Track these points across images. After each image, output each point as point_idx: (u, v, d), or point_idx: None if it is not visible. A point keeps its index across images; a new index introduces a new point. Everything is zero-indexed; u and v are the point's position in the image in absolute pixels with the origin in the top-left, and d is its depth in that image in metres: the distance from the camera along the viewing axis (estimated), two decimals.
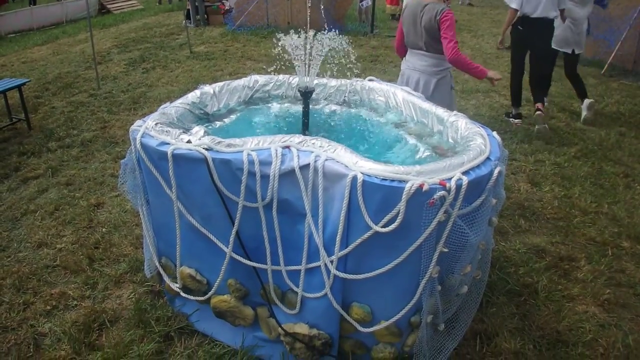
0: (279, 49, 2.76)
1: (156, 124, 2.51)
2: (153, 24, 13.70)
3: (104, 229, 4.05)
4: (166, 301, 3.10)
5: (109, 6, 17.61)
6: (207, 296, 2.69)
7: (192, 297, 2.77)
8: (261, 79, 3.31)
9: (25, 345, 2.94)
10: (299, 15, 10.64)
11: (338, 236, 2.12)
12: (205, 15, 12.62)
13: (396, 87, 3.14)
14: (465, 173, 2.06)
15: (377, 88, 3.18)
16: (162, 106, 2.87)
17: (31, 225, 4.18)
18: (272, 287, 2.48)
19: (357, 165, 2.06)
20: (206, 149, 2.28)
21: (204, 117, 2.99)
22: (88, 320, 3.06)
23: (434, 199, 1.92)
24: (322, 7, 10.27)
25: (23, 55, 10.58)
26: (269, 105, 3.21)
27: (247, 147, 2.27)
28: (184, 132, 2.44)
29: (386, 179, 1.97)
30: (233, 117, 3.05)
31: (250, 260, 2.44)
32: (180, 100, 2.92)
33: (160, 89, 7.63)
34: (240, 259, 2.45)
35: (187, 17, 12.36)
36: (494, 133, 2.52)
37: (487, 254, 2.62)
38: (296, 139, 2.29)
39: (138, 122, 2.61)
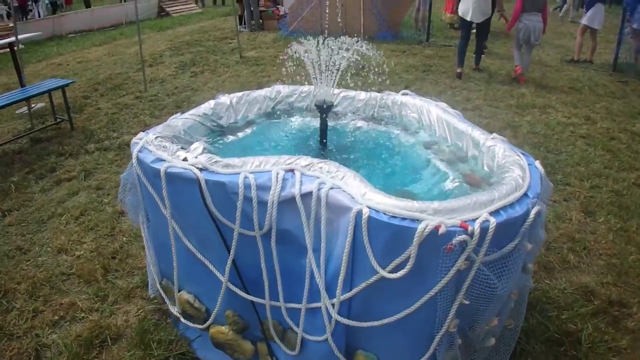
0: (295, 55, 2.50)
1: (156, 138, 2.33)
2: (209, 27, 13.85)
3: (124, 238, 3.94)
4: (171, 323, 2.93)
5: (168, 9, 18.06)
6: (205, 325, 2.47)
7: (190, 324, 2.56)
8: (284, 89, 3.08)
9: (26, 355, 2.86)
10: (353, 21, 10.37)
11: (340, 277, 1.84)
12: (260, 20, 12.61)
13: (431, 102, 2.80)
14: (494, 213, 1.72)
15: (411, 103, 2.86)
16: (172, 117, 2.70)
17: (55, 229, 4.14)
18: (271, 324, 2.22)
19: (364, 197, 1.76)
20: (200, 169, 2.06)
21: (218, 130, 2.79)
22: (91, 336, 2.96)
23: (452, 244, 1.59)
24: (377, 13, 9.96)
25: (80, 55, 10.92)
26: (291, 118, 2.97)
27: (246, 169, 2.02)
28: (182, 148, 2.23)
29: (396, 217, 1.67)
30: (249, 130, 2.83)
31: (248, 293, 2.20)
32: (192, 111, 2.73)
33: (205, 93, 7.58)
34: (237, 291, 2.21)
35: (240, 22, 12.41)
36: (537, 163, 2.14)
37: (522, 302, 2.25)
38: (303, 161, 2.02)
39: (140, 134, 2.43)
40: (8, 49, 7.00)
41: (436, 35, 10.43)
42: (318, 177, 1.93)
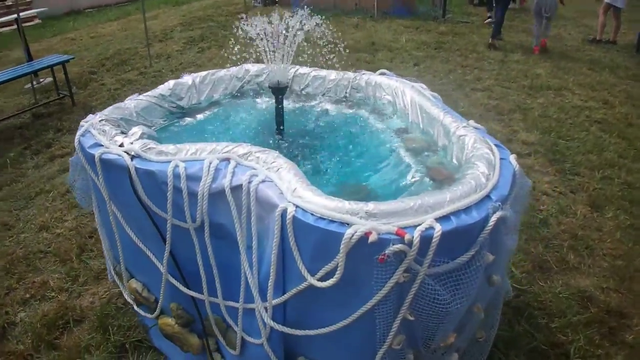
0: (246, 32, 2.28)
1: (100, 121, 2.16)
2: (223, 2, 13.55)
3: None
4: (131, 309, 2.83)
5: None
6: (154, 315, 2.34)
7: (142, 313, 2.44)
8: (253, 68, 2.86)
9: None
10: None
11: (271, 280, 1.65)
12: None
13: (407, 83, 2.54)
14: (443, 219, 1.47)
15: (385, 84, 2.60)
16: (128, 97, 2.53)
17: (41, 205, 4.10)
18: (213, 320, 2.07)
19: (294, 193, 1.56)
20: (132, 156, 1.89)
21: (178, 112, 2.60)
22: (56, 317, 2.94)
23: (385, 254, 1.38)
24: None
25: (94, 30, 10.84)
26: (257, 99, 2.76)
27: (179, 157, 1.84)
28: (122, 132, 2.06)
29: (324, 219, 1.46)
30: (210, 112, 2.64)
31: (188, 287, 2.04)
32: (149, 92, 2.55)
33: (208, 69, 7.40)
34: (176, 284, 2.05)
35: None
36: (512, 157, 1.87)
37: (494, 312, 2.02)
38: (241, 149, 1.83)
39: (90, 116, 2.28)
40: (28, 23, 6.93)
41: (453, 12, 9.94)
42: (253, 168, 1.73)
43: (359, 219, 1.42)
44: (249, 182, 1.66)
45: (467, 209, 1.52)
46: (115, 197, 2.07)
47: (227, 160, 1.80)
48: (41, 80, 6.86)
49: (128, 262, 2.34)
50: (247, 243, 1.73)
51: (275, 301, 1.67)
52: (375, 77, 2.66)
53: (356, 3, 10.29)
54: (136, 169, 1.86)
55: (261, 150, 1.81)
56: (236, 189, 1.69)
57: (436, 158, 2.09)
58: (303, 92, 2.79)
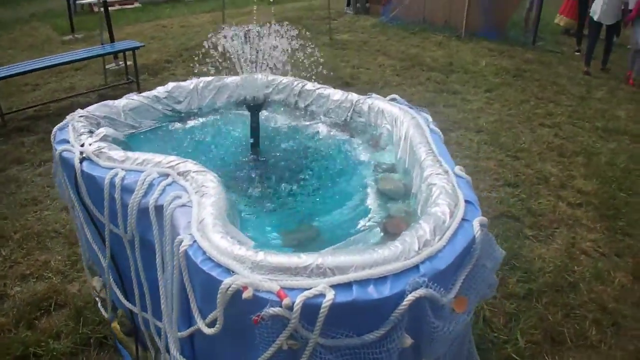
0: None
1: (81, 117, 2.18)
2: (317, 6, 13.58)
3: None
4: None
5: None
6: (107, 316, 2.33)
7: (102, 312, 2.45)
8: (262, 78, 2.76)
9: None
10: (457, 14, 9.53)
11: (174, 313, 1.54)
12: (367, 4, 12.17)
13: (409, 112, 2.31)
14: (342, 286, 1.24)
15: (388, 112, 2.37)
16: (126, 95, 2.54)
17: None
18: (147, 336, 2.01)
19: (199, 224, 1.44)
20: (83, 158, 1.87)
21: (173, 116, 2.57)
22: (43, 297, 3.05)
23: (259, 315, 1.21)
24: (483, 8, 9.05)
25: (186, 19, 11.36)
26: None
27: (123, 166, 1.79)
28: (89, 132, 2.05)
29: (211, 260, 1.32)
30: (205, 120, 2.58)
31: (126, 297, 1.99)
32: (146, 92, 2.55)
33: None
34: (117, 291, 2.02)
35: (348, 3, 12.10)
36: (477, 221, 1.53)
37: None
38: (184, 166, 1.74)
39: (78, 111, 2.30)
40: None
41: (545, 39, 9.22)
42: (184, 189, 1.64)
43: (244, 269, 1.27)
44: (171, 204, 1.57)
45: (380, 280, 1.27)
46: (74, 195, 2.06)
47: (166, 175, 1.72)
48: (120, 63, 7.27)
49: (91, 259, 2.35)
50: (165, 267, 1.64)
51: (181, 333, 1.57)
52: (379, 103, 2.44)
53: (446, 20, 9.90)
54: (82, 171, 1.84)
55: (201, 170, 1.70)
56: (159, 209, 1.60)
57: (402, 206, 1.85)
58: (308, 109, 2.65)
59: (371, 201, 1.87)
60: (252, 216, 1.84)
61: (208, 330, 1.36)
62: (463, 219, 1.55)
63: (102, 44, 6.58)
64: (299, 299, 1.18)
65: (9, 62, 6.87)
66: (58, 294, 3.04)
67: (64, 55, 6.28)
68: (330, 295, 1.20)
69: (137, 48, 6.35)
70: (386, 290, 1.26)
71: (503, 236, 3.55)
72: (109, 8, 12.25)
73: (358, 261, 1.29)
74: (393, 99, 2.56)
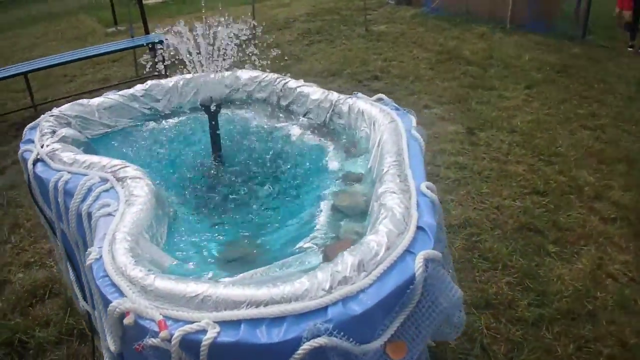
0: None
1: (52, 116, 2.17)
2: None
3: None
4: None
5: None
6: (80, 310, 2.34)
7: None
8: (245, 75, 2.68)
9: None
10: (503, 6, 9.03)
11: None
12: None
13: (390, 114, 2.13)
14: (229, 324, 1.10)
15: (368, 114, 2.20)
16: (105, 94, 2.53)
17: None
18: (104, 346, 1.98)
19: (109, 238, 1.37)
20: (37, 159, 1.85)
21: (152, 114, 2.53)
22: (41, 285, 3.12)
23: (141, 344, 1.13)
24: None
25: (225, 11, 11.42)
26: (241, 111, 2.57)
27: (71, 168, 1.76)
28: (52, 132, 2.04)
29: (107, 279, 1.25)
30: (182, 119, 2.52)
31: (85, 298, 1.98)
32: (123, 91, 2.52)
33: (304, 65, 7.36)
34: (77, 291, 2.01)
35: None
36: (421, 256, 1.28)
37: None
38: (124, 171, 1.68)
39: (54, 110, 2.30)
40: None
41: (596, 33, 8.55)
42: (118, 196, 1.58)
43: (133, 292, 1.18)
44: (97, 212, 1.51)
45: (275, 321, 1.11)
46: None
47: (106, 181, 1.67)
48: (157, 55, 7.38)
49: None
50: None
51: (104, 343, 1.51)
52: (360, 104, 2.27)
53: (490, 12, 9.41)
54: (34, 173, 1.83)
55: (137, 177, 1.64)
56: (91, 216, 1.56)
57: (355, 227, 1.68)
58: (289, 108, 2.54)
59: (323, 218, 1.71)
60: (198, 225, 1.75)
61: (112, 348, 1.29)
62: (407, 251, 1.33)
63: (132, 37, 6.71)
64: (178, 333, 1.07)
65: (52, 53, 7.15)
66: (54, 282, 3.11)
67: (97, 47, 6.49)
68: (212, 332, 1.08)
69: (161, 42, 6.39)
70: (278, 335, 1.09)
71: (521, 251, 3.26)
72: (152, 0, 12.59)
73: (254, 296, 1.14)
74: (379, 99, 2.38)
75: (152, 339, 1.10)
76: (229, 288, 1.15)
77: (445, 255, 1.62)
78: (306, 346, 1.06)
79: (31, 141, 2.03)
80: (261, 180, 1.97)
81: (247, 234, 1.71)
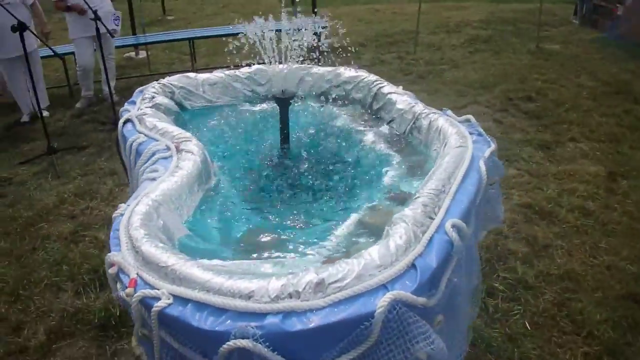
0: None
1: (158, 84, 2.48)
2: (546, 10, 12.11)
3: None
4: None
5: None
6: None
7: None
8: (346, 73, 2.77)
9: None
10: None
11: None
12: (595, 16, 10.49)
13: (465, 137, 1.99)
14: (181, 300, 1.19)
15: (444, 133, 2.08)
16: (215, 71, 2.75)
17: None
18: None
19: (138, 199, 1.55)
20: (127, 119, 2.14)
21: (253, 97, 2.72)
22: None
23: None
24: None
25: (400, 7, 11.38)
26: (332, 107, 2.63)
27: (148, 132, 2.00)
28: (150, 98, 2.32)
29: (116, 233, 1.43)
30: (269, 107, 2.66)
31: None
32: (230, 71, 2.73)
33: (458, 72, 7.09)
34: None
35: (576, 11, 10.66)
36: (384, 300, 1.17)
37: None
38: (190, 145, 1.87)
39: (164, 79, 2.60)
40: None
41: None
42: (163, 167, 1.77)
43: (127, 249, 1.34)
44: (146, 174, 1.72)
45: (219, 311, 1.15)
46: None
47: (168, 149, 1.88)
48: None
49: None
50: None
51: None
52: (441, 121, 2.13)
53: None
54: (122, 130, 2.11)
55: (190, 152, 1.81)
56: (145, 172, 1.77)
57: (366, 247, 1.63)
58: (378, 113, 2.52)
59: (344, 230, 1.69)
60: (236, 206, 1.87)
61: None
62: (382, 286, 1.24)
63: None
64: (138, 294, 1.21)
65: (227, 23, 7.90)
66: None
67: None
68: (163, 302, 1.18)
69: (323, 28, 6.66)
70: (212, 324, 1.13)
71: (614, 322, 2.80)
72: None
73: (209, 282, 1.19)
74: (467, 120, 2.24)
75: (122, 292, 1.24)
76: (193, 268, 1.24)
77: (457, 307, 1.51)
78: (230, 343, 1.09)
79: (134, 102, 2.34)
80: (313, 180, 2.02)
81: (274, 223, 1.78)
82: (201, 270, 1.23)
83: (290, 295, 1.15)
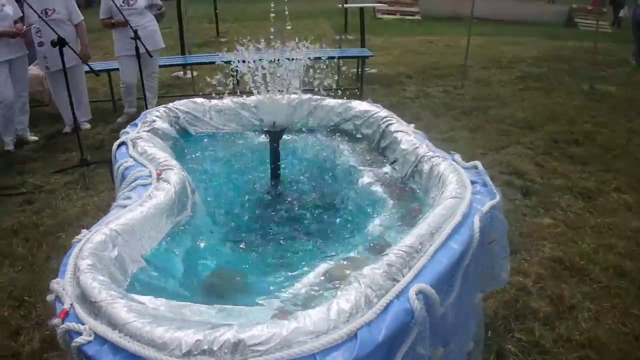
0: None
1: (163, 108, 2.49)
2: (602, 50, 11.50)
3: None
4: None
5: (578, 21, 16.32)
6: None
7: None
8: (358, 107, 2.67)
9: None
10: None
11: None
12: None
13: (466, 187, 1.84)
14: (100, 340, 1.16)
15: (444, 180, 1.94)
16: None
17: None
18: None
19: (99, 226, 1.52)
20: (121, 142, 2.15)
21: (255, 127, 2.68)
22: None
23: None
24: None
25: (454, 39, 11.17)
26: (340, 140, 2.55)
27: (138, 158, 2.00)
28: (151, 122, 2.33)
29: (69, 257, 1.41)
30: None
31: None
32: (236, 98, 2.70)
33: (505, 110, 6.81)
34: None
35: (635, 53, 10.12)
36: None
37: None
38: (170, 173, 1.84)
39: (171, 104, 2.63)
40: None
41: None
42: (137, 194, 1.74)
43: (70, 278, 1.32)
44: (118, 200, 1.70)
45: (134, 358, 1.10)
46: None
47: (149, 176, 1.86)
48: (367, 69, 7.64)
49: None
50: None
51: None
52: (443, 166, 1.97)
53: None
54: (115, 153, 2.12)
55: (167, 180, 1.78)
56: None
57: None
58: (384, 151, 2.42)
59: (308, 280, 1.57)
60: (211, 241, 1.82)
61: None
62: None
63: (340, 47, 7.12)
64: (63, 326, 1.20)
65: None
66: None
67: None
68: (82, 339, 1.15)
69: (366, 57, 6.67)
70: None
71: None
72: (391, 16, 13.10)
73: (130, 324, 1.13)
74: (474, 167, 2.07)
75: (52, 321, 1.22)
76: (119, 307, 1.18)
77: None
78: None
79: (136, 125, 2.35)
80: (296, 223, 1.93)
81: (242, 266, 1.70)
82: (126, 310, 1.17)
83: (204, 352, 1.06)
